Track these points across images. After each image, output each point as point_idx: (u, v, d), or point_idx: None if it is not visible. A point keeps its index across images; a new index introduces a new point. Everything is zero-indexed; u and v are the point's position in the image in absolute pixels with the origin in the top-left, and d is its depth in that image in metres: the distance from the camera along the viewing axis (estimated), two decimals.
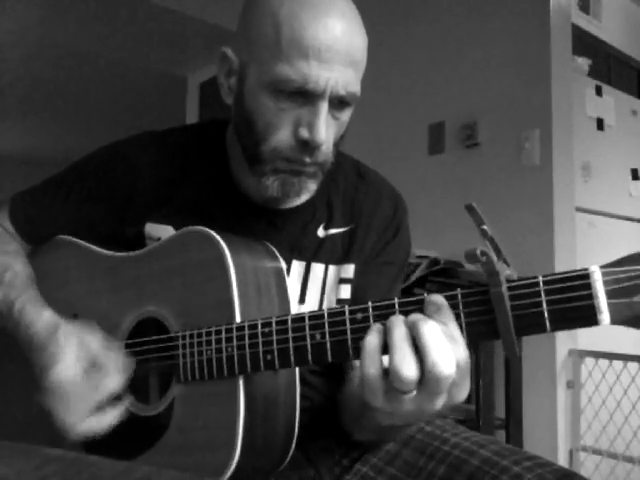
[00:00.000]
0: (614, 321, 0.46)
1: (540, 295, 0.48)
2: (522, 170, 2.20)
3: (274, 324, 0.62)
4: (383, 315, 0.55)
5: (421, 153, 2.56)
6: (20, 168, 6.75)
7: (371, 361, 0.52)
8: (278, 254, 0.76)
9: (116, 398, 0.70)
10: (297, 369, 0.70)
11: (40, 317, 0.73)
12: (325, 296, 0.82)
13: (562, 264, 2.08)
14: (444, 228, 2.40)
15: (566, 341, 2.06)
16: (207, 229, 0.70)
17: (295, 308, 0.80)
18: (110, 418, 0.69)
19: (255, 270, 0.70)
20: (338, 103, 0.71)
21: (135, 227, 0.81)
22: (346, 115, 0.74)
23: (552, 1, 2.19)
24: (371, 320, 0.55)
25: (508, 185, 2.24)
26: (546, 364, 2.05)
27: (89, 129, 5.90)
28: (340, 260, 0.82)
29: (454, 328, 0.52)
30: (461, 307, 0.52)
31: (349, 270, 0.82)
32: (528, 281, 0.49)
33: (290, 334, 0.60)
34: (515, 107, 2.25)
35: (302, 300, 0.81)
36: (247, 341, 0.63)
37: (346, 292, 0.82)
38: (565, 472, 0.66)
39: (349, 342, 0.57)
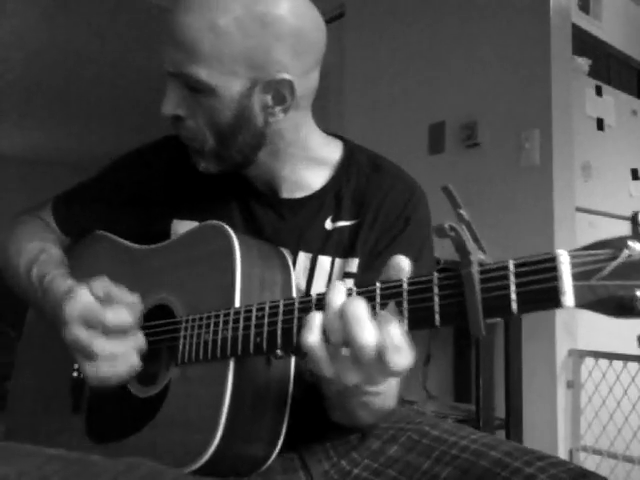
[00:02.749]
0: (579, 304, 0.46)
1: (509, 278, 0.49)
2: (522, 170, 2.20)
3: (267, 308, 0.63)
4: (364, 295, 0.56)
5: (421, 153, 2.56)
6: (20, 168, 6.75)
7: (309, 331, 0.54)
8: (291, 264, 0.77)
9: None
10: (292, 368, 0.71)
11: (65, 283, 0.78)
12: None
13: None
14: None
15: (566, 341, 2.06)
16: (221, 223, 0.74)
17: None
18: (125, 344, 0.70)
19: (262, 266, 0.73)
20: (188, 88, 0.77)
21: (162, 224, 0.87)
22: (209, 102, 0.76)
23: (552, 1, 2.19)
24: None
25: (508, 185, 2.24)
26: (546, 364, 2.05)
27: (89, 129, 5.90)
28: (346, 254, 0.81)
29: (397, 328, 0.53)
30: (436, 290, 0.53)
31: (353, 264, 0.81)
32: (498, 264, 0.50)
33: (280, 317, 0.61)
34: (515, 107, 2.25)
35: (308, 293, 0.81)
36: (241, 324, 0.65)
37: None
38: (581, 471, 0.64)
39: None
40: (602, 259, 0.47)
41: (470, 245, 0.51)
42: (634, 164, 2.50)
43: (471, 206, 2.24)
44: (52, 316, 0.76)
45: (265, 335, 0.62)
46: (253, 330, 0.63)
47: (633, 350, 2.07)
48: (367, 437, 0.82)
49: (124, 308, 0.71)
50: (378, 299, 0.55)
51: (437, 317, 0.52)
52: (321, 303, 0.58)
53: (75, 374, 0.83)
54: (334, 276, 0.81)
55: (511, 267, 0.49)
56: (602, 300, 0.46)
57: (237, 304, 0.68)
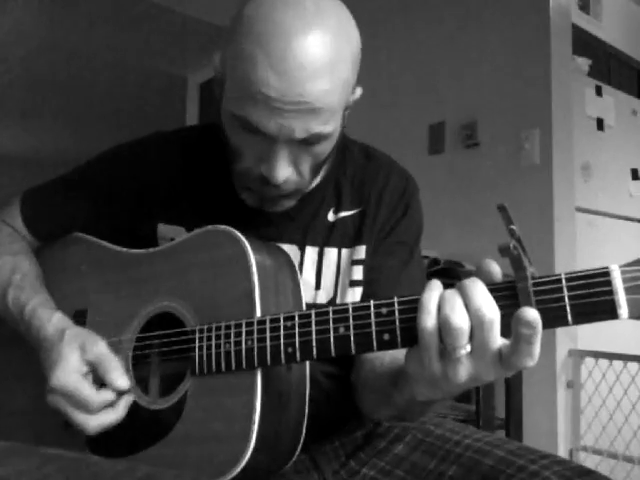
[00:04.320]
0: (632, 315, 0.51)
1: (562, 291, 0.52)
2: (522, 170, 2.20)
3: (297, 317, 0.63)
4: (408, 309, 0.57)
5: (421, 153, 2.57)
6: (20, 168, 6.75)
7: (427, 315, 0.53)
8: (290, 255, 0.77)
9: (120, 393, 0.71)
10: (308, 368, 0.71)
11: (50, 321, 0.74)
12: (340, 280, 0.81)
13: (562, 264, 2.08)
14: (444, 228, 2.40)
15: (566, 341, 2.06)
16: (230, 228, 0.71)
17: (311, 294, 0.81)
18: (117, 414, 0.70)
19: (274, 269, 0.72)
20: (305, 143, 0.69)
21: (147, 227, 0.82)
22: (321, 147, 0.72)
23: (552, 1, 2.19)
24: (396, 314, 0.57)
25: (508, 185, 2.24)
26: (546, 364, 2.05)
27: (89, 129, 5.90)
28: (352, 243, 0.82)
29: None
30: None
31: (361, 251, 0.82)
32: (551, 278, 0.53)
33: (314, 327, 0.61)
34: (515, 107, 2.25)
35: (317, 286, 0.81)
36: (268, 334, 0.64)
37: (359, 273, 0.81)
38: (584, 470, 0.65)
39: (374, 335, 0.58)
40: None
41: (525, 260, 0.53)
42: (634, 164, 2.50)
43: (471, 206, 2.26)
44: (38, 354, 0.74)
45: (298, 345, 0.62)
46: (283, 341, 0.63)
47: (633, 350, 2.07)
48: (372, 436, 0.83)
49: (110, 391, 0.69)
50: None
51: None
52: (357, 312, 0.59)
53: None
54: (342, 266, 0.81)
55: (564, 281, 0.52)
56: None
57: (258, 312, 0.66)
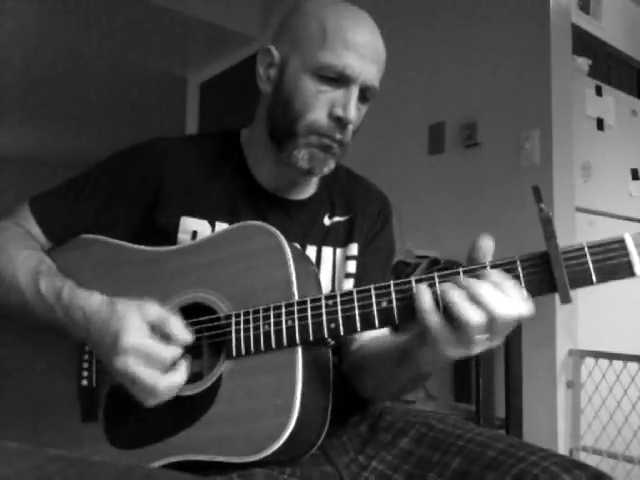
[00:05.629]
0: None
1: (586, 256, 0.63)
2: (522, 170, 2.20)
3: (339, 296, 0.70)
4: (445, 281, 0.66)
5: (421, 153, 2.56)
6: (20, 168, 6.75)
7: (431, 315, 0.64)
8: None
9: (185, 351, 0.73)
10: (331, 355, 0.78)
11: (92, 298, 0.76)
12: (336, 275, 0.94)
13: None
14: (444, 228, 2.40)
15: (566, 341, 2.06)
16: (263, 223, 0.78)
17: None
18: (182, 375, 0.71)
19: (302, 259, 0.81)
20: (362, 96, 0.86)
21: (169, 220, 0.87)
22: (364, 109, 0.89)
23: (552, 1, 2.19)
24: (437, 287, 0.66)
25: (508, 185, 2.24)
26: (546, 364, 2.05)
27: (89, 129, 5.91)
28: (345, 242, 0.96)
29: (509, 286, 0.63)
30: (520, 270, 0.64)
31: (353, 248, 0.95)
32: (576, 247, 0.64)
33: (356, 303, 0.69)
34: (515, 107, 2.25)
35: None
36: (309, 312, 0.71)
37: (352, 267, 0.94)
38: (579, 463, 0.71)
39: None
40: None
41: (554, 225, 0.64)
42: (634, 164, 2.50)
43: (471, 206, 2.26)
44: (83, 336, 0.75)
45: (341, 320, 0.70)
46: (325, 317, 0.70)
47: (633, 350, 2.07)
48: (376, 429, 0.87)
49: (178, 345, 0.71)
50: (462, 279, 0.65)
51: (524, 291, 0.64)
52: (399, 287, 0.68)
53: (85, 382, 0.80)
54: (337, 263, 0.94)
55: (586, 248, 0.63)
56: None
57: (296, 295, 0.73)
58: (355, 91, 0.83)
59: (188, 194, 0.88)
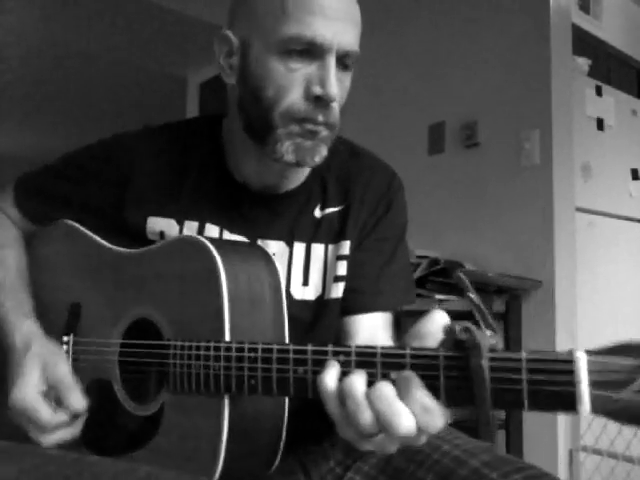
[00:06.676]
0: (595, 411, 0.45)
1: (521, 373, 0.47)
2: (522, 170, 2.20)
3: (260, 351, 0.60)
4: (364, 362, 0.54)
5: (421, 153, 2.57)
6: (20, 168, 6.74)
7: (333, 403, 0.54)
8: (274, 259, 0.75)
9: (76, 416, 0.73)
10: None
11: (20, 328, 0.76)
12: (327, 276, 0.82)
13: (562, 264, 2.08)
14: (444, 228, 2.40)
15: (566, 341, 2.06)
16: (202, 238, 0.69)
17: (300, 290, 0.81)
18: (73, 431, 0.72)
19: (250, 282, 0.69)
20: (342, 65, 0.73)
21: (136, 220, 0.81)
22: (348, 79, 0.76)
23: (552, 1, 2.19)
24: (352, 365, 0.54)
25: (508, 185, 2.24)
26: None
27: (89, 129, 5.90)
28: (337, 238, 0.83)
29: (425, 398, 0.51)
30: (441, 370, 0.50)
31: (345, 247, 0.83)
32: (511, 355, 0.48)
33: (274, 365, 0.59)
34: (515, 107, 2.25)
35: (305, 282, 0.82)
36: (234, 363, 0.62)
37: (343, 269, 0.82)
38: None
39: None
40: (626, 369, 0.45)
41: (481, 335, 0.48)
42: (634, 164, 2.50)
43: (471, 206, 2.26)
44: (8, 358, 0.76)
45: (260, 380, 0.60)
46: (247, 372, 0.61)
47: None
48: None
49: (67, 414, 0.71)
50: (379, 368, 0.53)
51: (443, 397, 0.50)
52: (318, 357, 0.57)
53: None
54: (329, 261, 0.82)
55: (524, 361, 0.47)
56: (626, 411, 0.44)
57: (227, 333, 0.65)
58: (332, 62, 0.70)
59: (156, 192, 0.81)
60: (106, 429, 0.74)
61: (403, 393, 0.51)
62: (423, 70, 2.62)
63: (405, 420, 0.50)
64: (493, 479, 0.65)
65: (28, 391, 0.70)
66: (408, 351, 0.52)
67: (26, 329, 0.76)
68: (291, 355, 0.58)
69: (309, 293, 0.81)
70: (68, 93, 4.91)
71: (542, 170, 2.13)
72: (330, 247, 0.83)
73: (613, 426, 1.92)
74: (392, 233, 0.86)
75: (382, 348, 0.53)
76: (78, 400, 0.71)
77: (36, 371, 0.72)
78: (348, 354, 0.55)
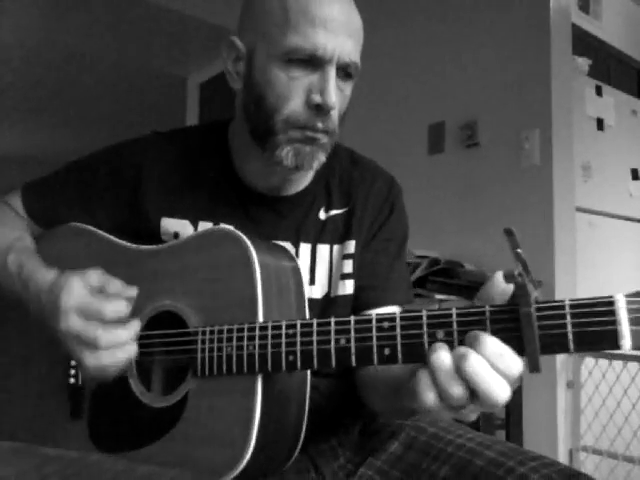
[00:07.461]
0: (635, 346, 0.49)
1: (566, 318, 0.51)
2: (522, 170, 2.20)
3: (299, 326, 0.62)
4: (409, 326, 0.56)
5: (421, 153, 2.56)
6: (20, 168, 6.74)
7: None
8: (295, 256, 0.78)
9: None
10: (309, 372, 0.71)
11: (48, 273, 0.76)
12: (333, 275, 0.86)
13: (562, 264, 2.08)
14: (444, 228, 2.40)
15: None
16: (233, 228, 0.72)
17: (307, 289, 0.82)
18: (125, 331, 0.70)
19: (277, 271, 0.72)
20: (343, 74, 0.76)
21: (150, 221, 0.84)
22: (349, 89, 0.79)
23: (552, 1, 2.19)
24: (398, 330, 0.57)
25: (508, 185, 2.24)
26: (546, 364, 2.05)
27: (89, 129, 5.90)
28: (342, 238, 0.87)
29: (502, 351, 0.52)
30: (488, 323, 0.53)
31: (351, 246, 0.86)
32: (555, 303, 0.52)
33: (315, 337, 0.61)
34: (515, 107, 2.25)
35: (312, 281, 0.85)
36: (270, 341, 0.64)
37: (349, 267, 0.86)
38: (571, 472, 0.66)
39: (374, 348, 0.58)
40: None
41: (529, 285, 0.52)
42: (634, 164, 2.50)
43: (471, 206, 2.26)
44: (37, 309, 0.75)
45: (299, 354, 0.62)
46: (284, 348, 0.63)
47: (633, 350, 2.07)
48: (367, 432, 0.84)
49: (121, 299, 0.71)
50: (425, 328, 0.56)
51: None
52: (359, 325, 0.59)
53: (72, 380, 0.81)
54: (334, 261, 0.86)
55: (567, 307, 0.51)
56: None
57: (260, 318, 0.67)
58: (332, 72, 0.73)
59: (168, 194, 0.84)
60: (121, 426, 0.74)
61: (478, 349, 0.52)
62: (423, 70, 2.62)
63: (503, 392, 0.52)
64: (511, 467, 0.67)
65: (77, 294, 0.70)
66: (454, 310, 0.55)
67: (55, 271, 0.76)
68: (332, 327, 0.60)
69: (316, 292, 0.85)
70: (68, 93, 4.91)
71: (542, 170, 2.13)
72: (335, 247, 0.87)
73: (613, 426, 1.92)
74: (396, 234, 0.91)
75: (427, 311, 0.56)
76: (126, 287, 0.72)
77: (76, 279, 0.71)
78: (392, 320, 0.57)
